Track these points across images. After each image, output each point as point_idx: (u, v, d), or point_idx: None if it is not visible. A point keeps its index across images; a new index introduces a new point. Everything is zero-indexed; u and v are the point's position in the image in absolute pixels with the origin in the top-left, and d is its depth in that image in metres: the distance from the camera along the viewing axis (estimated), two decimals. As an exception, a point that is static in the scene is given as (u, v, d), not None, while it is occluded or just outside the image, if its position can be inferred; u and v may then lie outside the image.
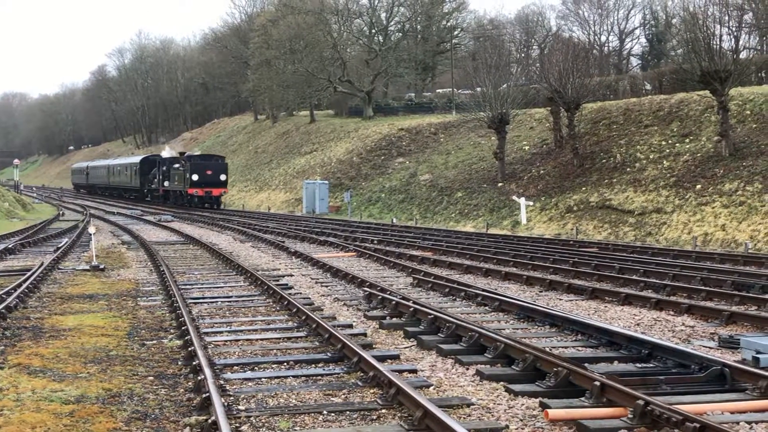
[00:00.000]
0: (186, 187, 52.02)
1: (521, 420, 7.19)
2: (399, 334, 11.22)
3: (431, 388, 8.28)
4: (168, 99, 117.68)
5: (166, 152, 62.75)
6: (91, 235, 22.57)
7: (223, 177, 52.25)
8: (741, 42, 37.84)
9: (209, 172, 51.70)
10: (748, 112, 33.64)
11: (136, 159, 66.55)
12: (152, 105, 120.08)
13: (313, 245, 25.96)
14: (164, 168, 56.97)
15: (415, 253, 22.32)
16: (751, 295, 13.77)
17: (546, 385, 8.08)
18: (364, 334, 11.12)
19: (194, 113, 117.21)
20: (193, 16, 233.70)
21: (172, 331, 11.54)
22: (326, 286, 16.19)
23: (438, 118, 59.94)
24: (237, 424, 7.07)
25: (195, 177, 51.15)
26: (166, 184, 56.62)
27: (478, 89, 45.29)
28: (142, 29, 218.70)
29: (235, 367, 9.21)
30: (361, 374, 8.72)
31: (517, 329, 11.41)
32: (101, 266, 19.44)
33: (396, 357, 9.69)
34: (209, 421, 6.93)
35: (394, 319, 12.15)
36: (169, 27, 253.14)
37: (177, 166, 54.48)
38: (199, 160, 53.34)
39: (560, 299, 14.34)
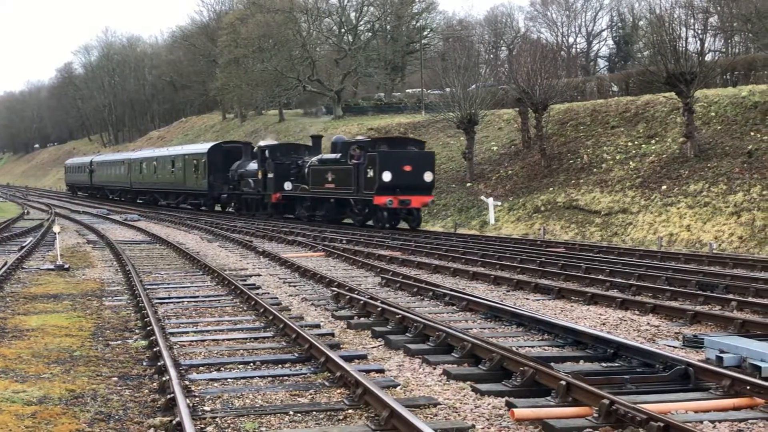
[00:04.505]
0: (369, 192, 31.18)
1: (487, 419, 7.20)
2: (367, 333, 11.19)
3: (398, 388, 8.27)
4: (135, 97, 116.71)
5: (269, 139, 45.95)
6: (55, 234, 22.31)
7: (428, 177, 31.50)
8: (706, 44, 38.36)
9: (407, 169, 30.87)
10: (713, 114, 34.05)
11: (202, 147, 47.18)
12: (119, 103, 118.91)
13: (282, 245, 25.84)
14: (288, 161, 37.52)
15: (383, 252, 22.30)
16: (715, 295, 13.91)
17: (512, 384, 8.11)
18: (332, 334, 11.09)
19: (162, 111, 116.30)
20: (160, 14, 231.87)
21: (137, 331, 11.42)
22: (294, 286, 16.11)
23: (407, 118, 59.93)
24: (202, 425, 7.01)
25: (387, 176, 30.53)
26: (287, 186, 37.00)
27: (447, 90, 45.38)
28: (109, 26, 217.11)
29: (201, 368, 9.13)
30: (328, 374, 8.69)
31: (485, 329, 11.43)
32: (66, 266, 19.20)
33: (363, 357, 9.67)
34: (174, 422, 6.87)
35: (362, 318, 12.12)
36: (136, 25, 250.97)
37: (335, 157, 34.13)
38: (388, 148, 32.28)
39: (527, 299, 14.40)
